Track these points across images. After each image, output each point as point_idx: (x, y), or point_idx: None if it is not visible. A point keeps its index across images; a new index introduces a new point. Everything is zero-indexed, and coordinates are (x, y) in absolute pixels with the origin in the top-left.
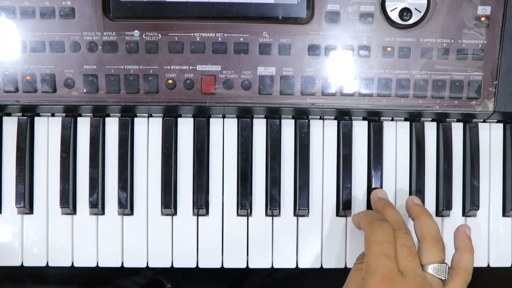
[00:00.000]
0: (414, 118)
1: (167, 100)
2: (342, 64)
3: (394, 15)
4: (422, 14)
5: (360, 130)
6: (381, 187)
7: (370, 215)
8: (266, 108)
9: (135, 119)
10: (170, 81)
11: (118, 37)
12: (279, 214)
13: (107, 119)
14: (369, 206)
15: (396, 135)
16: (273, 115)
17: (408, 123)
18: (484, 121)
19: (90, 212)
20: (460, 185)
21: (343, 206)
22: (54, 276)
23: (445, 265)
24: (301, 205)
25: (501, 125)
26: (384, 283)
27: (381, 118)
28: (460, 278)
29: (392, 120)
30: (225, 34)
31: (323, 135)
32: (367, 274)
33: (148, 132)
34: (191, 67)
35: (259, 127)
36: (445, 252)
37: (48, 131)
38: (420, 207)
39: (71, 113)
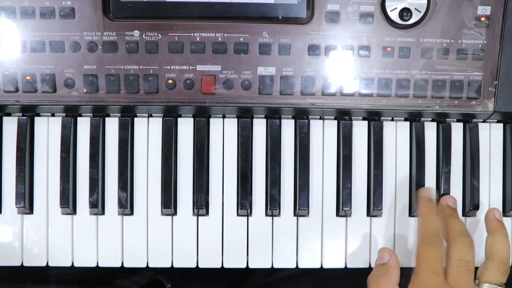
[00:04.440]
0: (414, 118)
1: (167, 100)
2: (342, 64)
3: (394, 15)
4: (422, 14)
5: (360, 130)
6: (381, 187)
7: (426, 225)
8: (266, 108)
9: (135, 119)
10: (170, 81)
11: (118, 37)
12: (279, 214)
13: (107, 119)
14: (369, 206)
15: (396, 135)
16: (273, 115)
17: (408, 123)
18: (484, 121)
19: (90, 212)
20: (460, 185)
21: (343, 206)
22: (54, 276)
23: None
24: (301, 205)
25: (501, 125)
26: None
27: (381, 118)
28: (494, 265)
29: (392, 120)
30: (225, 34)
31: (323, 135)
32: (414, 285)
33: (148, 132)
34: (191, 67)
35: (259, 127)
36: (506, 277)
37: (48, 131)
38: (499, 223)
39: (71, 113)
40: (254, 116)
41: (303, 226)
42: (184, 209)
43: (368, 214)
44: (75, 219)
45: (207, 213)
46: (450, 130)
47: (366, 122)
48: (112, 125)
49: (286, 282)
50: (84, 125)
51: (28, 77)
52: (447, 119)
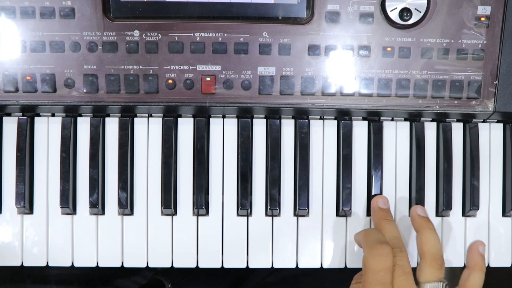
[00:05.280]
0: (414, 118)
1: (167, 100)
2: (342, 64)
3: (394, 15)
4: (422, 14)
5: (360, 130)
6: (381, 187)
7: (370, 236)
8: (266, 108)
9: (135, 119)
10: (170, 81)
11: (118, 37)
12: (279, 214)
13: (107, 119)
14: (369, 206)
15: (396, 135)
16: (273, 115)
17: (408, 123)
18: (484, 121)
19: (90, 212)
20: (460, 185)
21: (343, 206)
22: (54, 276)
23: (441, 283)
24: (301, 205)
25: (501, 125)
26: None
27: (381, 118)
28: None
29: (392, 120)
30: (225, 34)
31: (323, 135)
32: None
33: (148, 132)
34: (191, 67)
35: (259, 127)
36: (443, 270)
37: (48, 131)
38: (424, 219)
39: (71, 113)
40: (254, 116)
41: (303, 226)
42: (184, 209)
43: (368, 214)
44: (75, 219)
45: (207, 213)
46: (450, 130)
47: (366, 122)
48: (112, 125)
49: (286, 282)
50: (84, 125)
51: (28, 77)
52: (447, 119)
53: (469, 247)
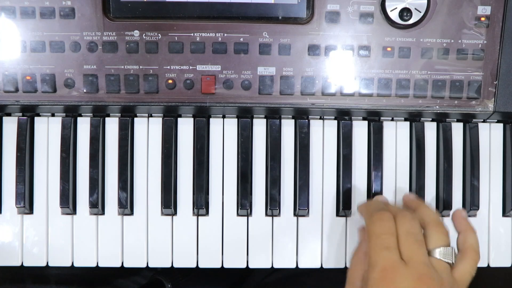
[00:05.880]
0: (414, 118)
1: (167, 100)
2: (342, 64)
3: (394, 15)
4: (422, 14)
5: (360, 130)
6: (381, 187)
7: (370, 206)
8: (266, 108)
9: (135, 119)
10: (170, 81)
11: (118, 37)
12: (279, 214)
13: (107, 119)
14: None
15: (396, 135)
16: (273, 115)
17: (408, 123)
18: (484, 121)
19: (90, 212)
20: (460, 185)
21: (343, 206)
22: (54, 276)
23: (451, 248)
24: (301, 205)
25: (501, 125)
26: (385, 275)
27: (381, 118)
28: (470, 258)
29: (392, 120)
30: (225, 34)
31: (323, 135)
32: (369, 267)
33: (148, 132)
34: (191, 67)
35: (259, 127)
36: (449, 237)
37: (48, 131)
38: (417, 200)
39: (71, 113)
40: (254, 116)
41: (303, 226)
42: (184, 209)
43: None
44: (75, 219)
45: (207, 213)
46: (450, 130)
47: (366, 122)
48: (112, 125)
49: (286, 282)
50: (84, 125)
51: (28, 77)
52: (447, 119)
53: (453, 215)
